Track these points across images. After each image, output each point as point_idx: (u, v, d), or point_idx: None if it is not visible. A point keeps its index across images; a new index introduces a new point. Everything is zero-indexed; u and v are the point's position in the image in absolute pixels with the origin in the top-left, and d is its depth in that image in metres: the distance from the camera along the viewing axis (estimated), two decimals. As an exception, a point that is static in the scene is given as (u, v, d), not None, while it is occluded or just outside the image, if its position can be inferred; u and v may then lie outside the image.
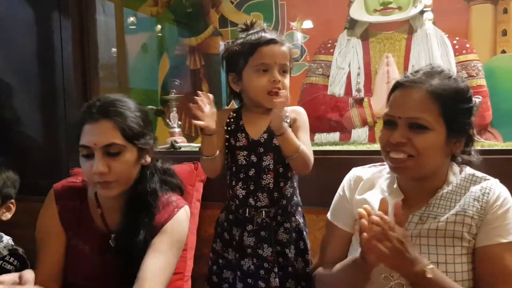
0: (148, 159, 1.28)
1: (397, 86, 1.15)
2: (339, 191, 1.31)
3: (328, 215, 1.32)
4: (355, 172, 1.30)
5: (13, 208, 1.35)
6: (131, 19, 2.76)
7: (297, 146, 1.26)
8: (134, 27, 2.79)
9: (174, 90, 2.38)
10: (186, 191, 1.62)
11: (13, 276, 1.13)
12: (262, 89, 1.32)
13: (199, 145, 2.22)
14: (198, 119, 1.23)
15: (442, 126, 1.09)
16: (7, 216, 1.33)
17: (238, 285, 1.32)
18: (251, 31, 1.34)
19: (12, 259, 1.29)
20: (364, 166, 1.32)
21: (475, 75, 2.13)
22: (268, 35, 1.32)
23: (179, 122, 2.31)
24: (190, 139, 2.44)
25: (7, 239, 1.36)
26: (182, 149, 2.12)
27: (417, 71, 1.14)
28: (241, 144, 1.35)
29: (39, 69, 2.26)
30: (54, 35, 2.21)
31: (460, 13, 2.16)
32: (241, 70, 1.34)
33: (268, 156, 1.33)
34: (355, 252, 1.17)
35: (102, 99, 1.24)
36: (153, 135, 1.32)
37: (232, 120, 1.39)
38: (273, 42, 1.31)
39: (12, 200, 1.34)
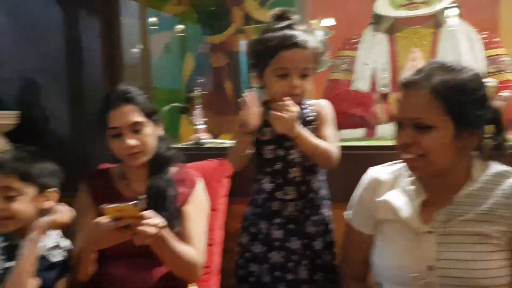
0: (162, 131, 1.49)
1: (401, 86, 1.14)
2: (357, 194, 1.29)
3: (347, 217, 1.31)
4: (372, 173, 1.28)
5: (55, 197, 1.40)
6: (155, 18, 2.80)
7: (314, 145, 1.27)
8: (158, 26, 2.83)
9: (198, 88, 2.40)
10: (211, 187, 1.66)
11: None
12: (280, 93, 1.33)
13: (223, 141, 2.25)
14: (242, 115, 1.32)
15: (449, 122, 1.06)
16: (48, 204, 1.38)
17: (266, 278, 1.34)
18: (281, 24, 1.34)
19: (58, 251, 1.33)
20: (381, 166, 1.30)
21: (504, 69, 2.11)
22: (294, 34, 1.32)
23: (204, 119, 2.33)
24: (214, 136, 2.46)
25: (56, 232, 1.41)
26: (207, 145, 2.14)
27: (420, 70, 1.12)
28: (267, 138, 1.36)
29: (68, 68, 2.33)
30: (82, 35, 2.27)
31: (488, 7, 2.13)
32: (262, 69, 1.35)
33: (294, 150, 1.33)
34: (378, 253, 1.17)
35: (117, 89, 1.44)
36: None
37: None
38: (295, 46, 1.30)
39: (51, 190, 1.39)
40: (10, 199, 1.31)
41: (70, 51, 2.30)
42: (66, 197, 1.44)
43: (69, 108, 2.35)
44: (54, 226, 1.32)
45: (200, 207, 1.48)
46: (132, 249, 1.34)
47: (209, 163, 1.82)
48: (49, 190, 1.39)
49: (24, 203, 1.33)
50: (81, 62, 2.30)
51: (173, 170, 1.47)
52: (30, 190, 1.34)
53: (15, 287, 1.20)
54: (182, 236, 1.36)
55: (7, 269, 1.30)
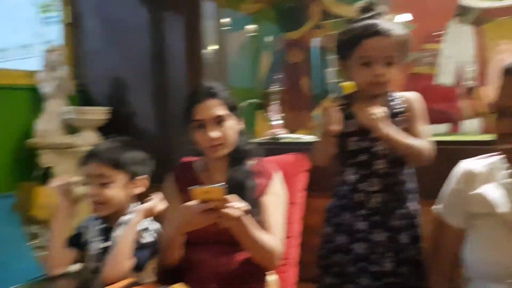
0: (242, 125, 1.55)
1: (506, 73, 1.09)
2: (449, 187, 1.26)
3: (437, 211, 1.28)
4: (465, 166, 1.24)
5: (145, 184, 1.50)
6: (232, 17, 2.86)
7: (405, 145, 1.26)
8: (233, 26, 2.89)
9: (274, 84, 2.44)
10: (290, 181, 1.69)
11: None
12: (363, 82, 1.33)
13: (299, 136, 2.27)
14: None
15: None
16: (139, 191, 1.48)
17: (349, 269, 1.34)
18: (368, 14, 1.34)
19: (149, 233, 1.43)
20: (473, 159, 1.26)
21: None
22: (377, 22, 1.31)
23: (280, 115, 2.36)
24: (290, 132, 2.48)
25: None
26: (283, 140, 2.17)
27: None
28: (351, 130, 1.36)
29: (153, 67, 2.46)
30: (166, 36, 2.39)
31: None
32: (347, 60, 1.36)
33: (380, 141, 1.32)
34: (470, 248, 1.13)
35: (202, 85, 1.54)
36: None
37: (342, 107, 1.40)
38: (378, 34, 1.29)
39: (141, 177, 1.48)
40: (104, 185, 1.41)
41: (155, 51, 2.43)
42: (153, 188, 1.53)
43: (154, 105, 2.49)
44: (150, 213, 1.41)
45: (278, 198, 1.52)
46: (214, 236, 1.41)
47: (287, 157, 1.85)
48: (139, 177, 1.47)
49: (116, 189, 1.42)
50: (166, 62, 2.42)
51: (251, 162, 1.53)
52: (121, 177, 1.44)
53: (114, 265, 1.30)
54: (261, 226, 1.40)
55: (103, 249, 1.41)
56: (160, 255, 1.41)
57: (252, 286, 1.44)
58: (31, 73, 2.48)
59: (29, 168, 2.38)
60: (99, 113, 2.48)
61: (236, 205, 1.24)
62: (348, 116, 1.37)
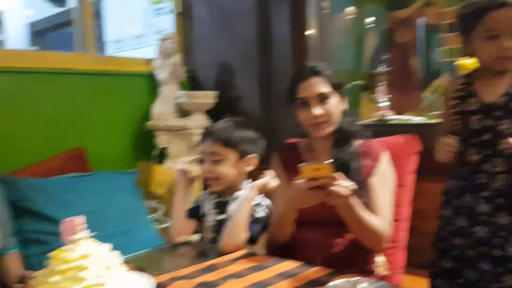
0: (346, 104, 1.54)
1: None
2: None
3: None
4: None
5: (255, 162, 1.56)
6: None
7: None
8: (338, 7, 2.85)
9: (381, 65, 2.38)
10: (399, 163, 1.65)
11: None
12: (489, 57, 1.25)
13: (409, 117, 2.20)
14: None
15: None
16: (249, 168, 1.56)
17: (469, 253, 1.29)
18: None
19: (261, 208, 1.50)
20: None
21: None
22: None
23: (387, 97, 2.30)
24: (397, 113, 2.41)
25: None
26: (392, 122, 2.12)
27: None
28: (473, 109, 1.29)
29: (258, 51, 2.53)
30: (272, 21, 2.43)
31: None
32: (470, 34, 1.29)
33: (505, 120, 1.24)
34: None
35: (306, 64, 1.57)
36: None
37: (463, 86, 1.34)
38: (505, 5, 1.22)
39: (251, 155, 1.54)
40: (216, 162, 1.50)
41: (261, 35, 2.50)
42: (259, 169, 1.59)
43: (260, 88, 2.56)
44: (264, 189, 1.48)
45: (385, 180, 1.49)
46: (322, 217, 1.42)
47: (397, 139, 1.80)
48: (249, 156, 1.54)
49: (227, 167, 1.51)
50: (271, 46, 2.47)
51: (357, 143, 1.51)
52: (232, 155, 1.51)
53: (231, 237, 1.39)
54: (369, 208, 1.39)
55: (219, 221, 1.52)
56: (270, 231, 1.48)
57: (359, 268, 1.43)
58: (147, 61, 2.69)
59: (147, 148, 2.59)
60: (208, 97, 2.61)
61: (344, 184, 1.24)
62: (470, 95, 1.31)
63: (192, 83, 2.82)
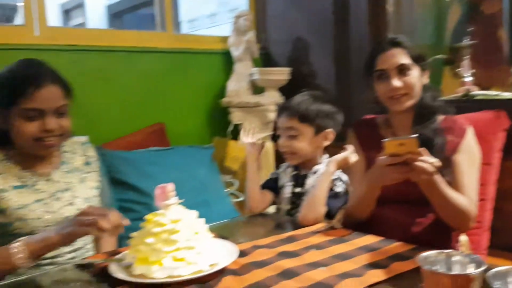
0: (427, 78, 1.48)
1: None
2: None
3: None
4: None
5: (331, 137, 1.56)
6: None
7: None
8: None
9: (465, 38, 2.24)
10: (485, 140, 1.57)
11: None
12: None
13: (497, 93, 2.07)
14: None
15: None
16: (325, 143, 1.56)
17: None
18: None
19: (340, 183, 1.51)
20: None
21: None
22: None
23: (471, 71, 2.18)
24: (482, 89, 2.28)
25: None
26: (478, 98, 2.01)
27: None
28: None
29: (334, 26, 2.48)
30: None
31: None
32: None
33: None
34: None
35: (386, 36, 1.53)
36: None
37: None
38: None
39: (327, 131, 1.54)
40: (292, 138, 1.52)
41: (337, 10, 2.45)
42: (334, 146, 1.58)
43: (335, 64, 2.52)
44: (344, 163, 1.47)
45: (471, 157, 1.42)
46: (403, 195, 1.40)
47: (483, 115, 1.71)
48: (326, 130, 1.54)
49: (303, 142, 1.52)
50: (347, 20, 2.42)
51: (440, 119, 1.45)
52: (308, 130, 1.52)
53: (310, 210, 1.41)
54: (453, 186, 1.33)
55: (295, 194, 1.55)
56: (350, 209, 1.48)
57: (441, 248, 1.38)
58: (222, 39, 2.73)
59: (222, 124, 2.66)
60: (281, 74, 2.61)
61: (429, 160, 1.19)
62: None
63: (266, 59, 2.83)
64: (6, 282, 1.03)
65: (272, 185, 1.61)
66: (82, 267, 1.09)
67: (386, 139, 1.19)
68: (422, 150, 1.18)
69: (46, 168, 1.33)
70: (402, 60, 1.41)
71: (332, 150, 1.61)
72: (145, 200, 1.89)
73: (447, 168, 1.36)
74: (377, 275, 0.96)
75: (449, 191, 1.29)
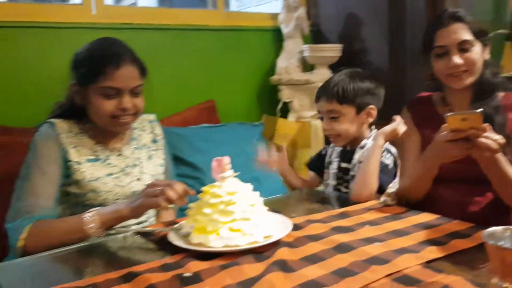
0: (488, 54, 1.42)
1: None
2: None
3: None
4: None
5: (374, 113, 1.54)
6: None
7: None
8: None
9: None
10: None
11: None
12: None
13: None
14: None
15: None
16: (369, 120, 1.54)
17: None
18: None
19: (389, 155, 1.50)
20: None
21: None
22: None
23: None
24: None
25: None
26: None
27: None
28: None
29: (388, 1, 2.40)
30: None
31: None
32: None
33: None
34: None
35: (446, 10, 1.42)
36: None
37: None
38: None
39: (369, 108, 1.52)
40: (334, 119, 1.51)
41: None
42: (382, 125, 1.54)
43: (389, 40, 2.45)
44: (394, 135, 1.44)
45: None
46: (461, 173, 1.36)
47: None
48: (368, 108, 1.51)
49: (346, 123, 1.51)
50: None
51: (500, 96, 1.39)
52: (349, 111, 1.50)
53: (365, 186, 1.39)
54: None
55: (341, 169, 1.56)
56: (405, 187, 1.45)
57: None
58: (272, 16, 2.71)
59: (271, 102, 2.66)
60: (332, 51, 2.57)
61: (494, 137, 1.14)
62: None
63: (317, 36, 2.79)
64: (75, 246, 1.09)
65: (317, 165, 1.62)
66: (143, 235, 1.14)
67: (449, 114, 1.14)
68: (486, 125, 1.13)
69: (117, 144, 1.40)
70: (464, 36, 1.36)
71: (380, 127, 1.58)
72: (197, 175, 1.94)
73: (508, 146, 1.31)
74: (435, 251, 0.95)
75: (510, 169, 1.24)
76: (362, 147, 1.53)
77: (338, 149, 1.61)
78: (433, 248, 0.96)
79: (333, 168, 1.59)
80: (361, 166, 1.45)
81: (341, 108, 1.50)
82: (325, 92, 1.52)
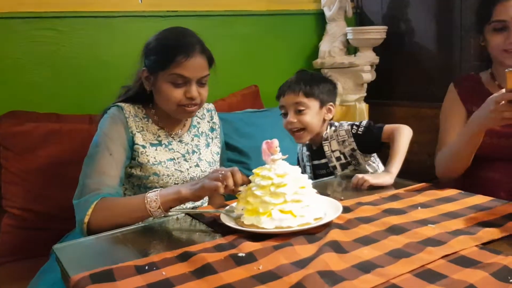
0: None
1: None
2: None
3: None
4: None
5: (333, 111, 1.58)
6: None
7: None
8: None
9: None
10: None
11: None
12: None
13: None
14: None
15: None
16: (329, 117, 1.58)
17: None
18: None
19: None
20: None
21: None
22: None
23: None
24: None
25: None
26: None
27: None
28: None
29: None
30: None
31: None
32: None
33: None
34: None
35: None
36: None
37: None
38: None
39: (331, 104, 1.57)
40: (300, 112, 1.52)
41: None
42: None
43: (436, 21, 2.37)
44: None
45: None
46: (509, 153, 1.32)
47: None
48: (329, 104, 1.56)
49: (311, 116, 1.52)
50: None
51: None
52: (314, 104, 1.53)
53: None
54: None
55: (314, 166, 1.64)
56: (442, 162, 1.43)
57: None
58: (315, -2, 2.68)
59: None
60: (376, 33, 2.51)
61: None
62: None
63: (360, 18, 2.74)
64: (131, 227, 1.14)
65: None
66: (195, 217, 1.18)
67: (510, 69, 1.07)
68: None
69: (178, 130, 1.45)
70: None
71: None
72: (243, 159, 1.96)
73: None
74: (492, 233, 0.93)
75: None
76: (326, 139, 1.58)
77: (306, 153, 1.66)
78: (489, 229, 0.94)
79: (308, 172, 1.66)
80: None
81: (308, 101, 1.52)
82: (291, 87, 1.54)
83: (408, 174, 1.43)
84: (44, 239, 1.54)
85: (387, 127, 1.49)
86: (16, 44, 1.90)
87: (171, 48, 1.30)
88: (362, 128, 1.53)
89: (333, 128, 1.59)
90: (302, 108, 1.52)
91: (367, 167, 1.59)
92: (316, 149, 1.63)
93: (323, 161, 1.61)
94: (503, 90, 1.11)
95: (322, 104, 1.55)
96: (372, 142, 1.52)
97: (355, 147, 1.54)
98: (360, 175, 1.37)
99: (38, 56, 1.95)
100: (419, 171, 1.61)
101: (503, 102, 1.11)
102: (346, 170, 1.58)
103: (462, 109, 1.49)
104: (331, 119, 1.61)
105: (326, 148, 1.58)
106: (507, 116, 1.12)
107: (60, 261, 0.95)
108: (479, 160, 1.37)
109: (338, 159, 1.58)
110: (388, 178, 1.36)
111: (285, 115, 1.57)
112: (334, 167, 1.58)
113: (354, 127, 1.55)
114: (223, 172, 1.10)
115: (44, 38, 1.95)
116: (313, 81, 1.55)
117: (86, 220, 1.16)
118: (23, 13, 1.90)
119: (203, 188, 1.12)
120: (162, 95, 1.33)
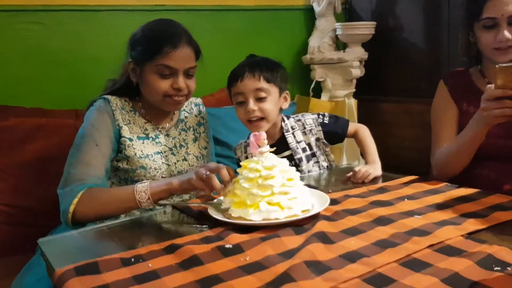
0: None
1: None
2: None
3: None
4: None
5: (288, 99, 1.50)
6: None
7: None
8: None
9: None
10: None
11: None
12: None
13: None
14: None
15: None
16: (285, 105, 1.50)
17: None
18: None
19: None
20: None
21: None
22: None
23: None
24: None
25: None
26: None
27: None
28: None
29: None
30: None
31: None
32: None
33: None
34: None
35: None
36: None
37: None
38: None
39: (287, 92, 1.49)
40: (261, 100, 1.39)
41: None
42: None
43: (424, 17, 2.39)
44: None
45: None
46: (504, 151, 1.33)
47: None
48: (284, 92, 1.47)
49: (272, 103, 1.41)
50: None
51: None
52: (274, 91, 1.42)
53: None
54: None
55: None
56: (440, 161, 1.43)
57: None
58: (304, -6, 2.68)
59: (304, 81, 2.65)
60: (365, 28, 2.52)
61: None
62: None
63: (349, 14, 2.75)
64: (117, 221, 1.13)
65: None
66: (182, 209, 1.17)
67: (500, 64, 1.04)
68: None
69: (166, 123, 1.44)
70: None
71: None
72: (231, 154, 1.95)
73: None
74: (477, 223, 0.94)
75: None
76: (288, 130, 1.50)
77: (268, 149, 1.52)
78: (474, 220, 0.95)
79: None
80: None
81: (269, 87, 1.40)
82: (250, 71, 1.39)
83: (398, 168, 1.44)
84: (31, 235, 1.51)
85: (351, 123, 1.52)
86: (0, 38, 1.88)
87: (157, 39, 1.29)
88: (328, 118, 1.53)
89: (296, 118, 1.53)
90: (263, 95, 1.39)
91: (327, 159, 1.56)
92: (275, 143, 1.48)
93: (286, 153, 1.50)
94: (492, 86, 1.10)
95: (281, 92, 1.46)
96: (339, 133, 1.52)
97: (321, 137, 1.51)
98: (363, 169, 1.34)
99: (23, 50, 1.93)
100: (408, 166, 1.63)
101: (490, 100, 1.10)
102: (310, 164, 1.51)
103: (453, 106, 1.49)
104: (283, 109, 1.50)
105: (290, 140, 1.49)
106: (496, 114, 1.11)
107: (45, 255, 0.94)
108: (476, 159, 1.37)
109: (304, 150, 1.51)
110: (378, 168, 1.39)
111: (241, 103, 1.42)
112: (300, 159, 1.49)
113: (320, 116, 1.54)
114: (207, 173, 1.09)
115: (30, 32, 1.93)
116: (270, 65, 1.43)
117: (71, 209, 1.15)
118: (8, 5, 1.88)
119: (190, 183, 1.12)
120: (148, 86, 1.32)
